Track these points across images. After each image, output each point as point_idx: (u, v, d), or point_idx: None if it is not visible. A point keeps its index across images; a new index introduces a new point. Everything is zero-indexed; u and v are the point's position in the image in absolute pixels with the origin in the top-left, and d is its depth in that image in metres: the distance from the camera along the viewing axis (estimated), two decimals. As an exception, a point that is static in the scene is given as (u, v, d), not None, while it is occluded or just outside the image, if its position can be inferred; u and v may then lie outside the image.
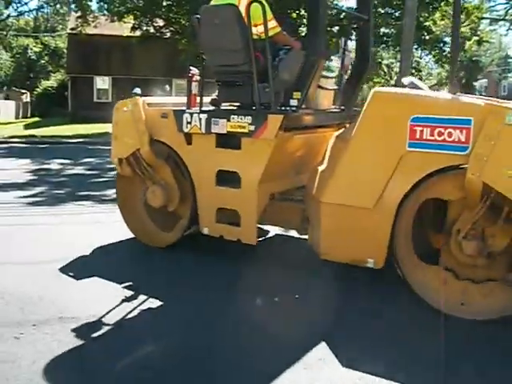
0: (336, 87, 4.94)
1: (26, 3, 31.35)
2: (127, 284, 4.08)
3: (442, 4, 22.74)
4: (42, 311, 3.55)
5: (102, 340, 3.21)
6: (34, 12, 31.07)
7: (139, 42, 24.68)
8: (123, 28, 26.58)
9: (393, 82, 28.62)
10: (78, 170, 11.22)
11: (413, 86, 3.85)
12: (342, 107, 4.98)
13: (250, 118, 4.17)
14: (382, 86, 31.77)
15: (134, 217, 5.27)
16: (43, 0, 28.99)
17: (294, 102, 4.24)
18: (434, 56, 25.52)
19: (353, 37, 23.64)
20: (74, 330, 3.28)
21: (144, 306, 3.71)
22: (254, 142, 4.21)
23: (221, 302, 3.83)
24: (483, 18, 25.98)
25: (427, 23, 22.88)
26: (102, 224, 5.84)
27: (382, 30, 24.91)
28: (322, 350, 3.10)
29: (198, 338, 3.25)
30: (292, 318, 3.58)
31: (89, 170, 10.97)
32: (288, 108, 4.26)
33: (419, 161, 3.58)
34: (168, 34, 25.63)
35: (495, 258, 3.60)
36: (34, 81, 35.20)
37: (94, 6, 27.38)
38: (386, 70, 31.70)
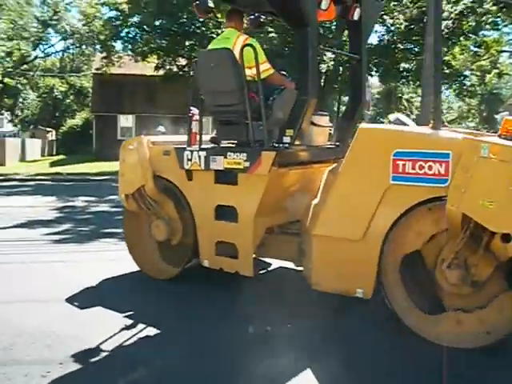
0: (330, 124, 5.17)
1: (52, 45, 32.76)
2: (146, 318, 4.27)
3: (461, 38, 23.08)
4: (69, 349, 3.63)
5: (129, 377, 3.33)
6: (60, 53, 32.46)
7: (162, 80, 25.46)
8: (147, 67, 27.51)
9: (413, 117, 28.79)
10: (103, 207, 11.49)
11: (399, 122, 4.07)
12: (337, 143, 5.20)
13: (245, 154, 4.42)
14: (403, 120, 31.92)
15: (139, 250, 5.51)
16: (69, 42, 30.25)
17: (287, 139, 4.47)
18: (454, 90, 25.68)
19: (373, 72, 23.90)
20: (100, 368, 3.41)
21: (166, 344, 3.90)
22: (249, 178, 4.45)
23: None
24: (503, 51, 26.10)
25: (447, 58, 23.15)
26: (126, 261, 5.73)
27: (402, 65, 25.29)
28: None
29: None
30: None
31: (113, 207, 11.17)
32: (281, 145, 4.49)
33: (402, 193, 3.76)
34: (191, 73, 26.41)
35: (481, 286, 3.71)
36: (59, 119, 36.44)
37: (118, 46, 28.32)
38: (406, 104, 31.95)
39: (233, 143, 4.88)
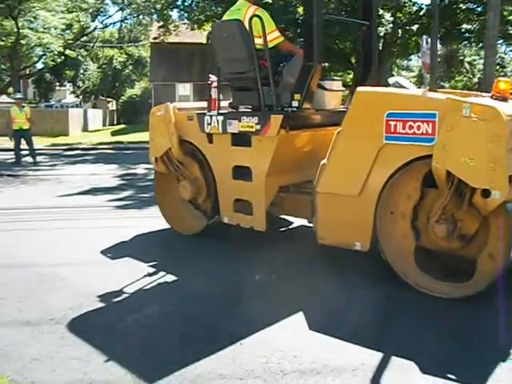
0: (342, 89, 5.47)
1: (110, 16, 33.84)
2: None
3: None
4: (132, 309, 3.93)
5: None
6: (118, 23, 33.47)
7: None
8: (203, 36, 28.00)
9: (476, 80, 27.95)
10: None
11: (398, 85, 4.34)
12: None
13: (256, 118, 4.84)
14: (465, 84, 31.09)
15: (169, 208, 6.07)
16: (126, 12, 31.14)
17: (295, 103, 4.83)
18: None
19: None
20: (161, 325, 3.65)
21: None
22: (261, 140, 4.87)
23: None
24: None
25: (512, 17, 22.28)
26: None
27: (464, 26, 24.53)
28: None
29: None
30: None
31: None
32: (290, 109, 4.86)
33: (395, 152, 4.07)
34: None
35: (469, 241, 4.00)
36: (119, 89, 37.81)
37: (174, 15, 28.88)
38: (468, 67, 30.97)
39: (247, 108, 5.29)
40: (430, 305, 3.88)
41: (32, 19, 26.18)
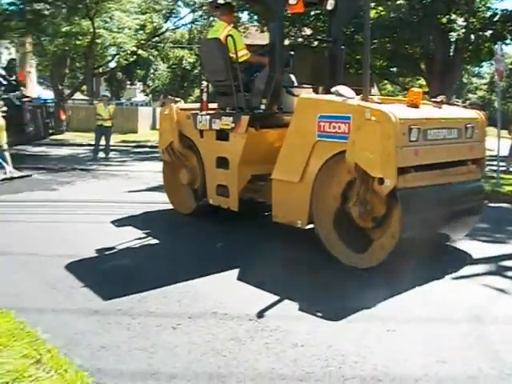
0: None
1: (181, 17, 36.07)
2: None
3: None
4: (198, 304, 4.26)
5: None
6: (189, 25, 35.61)
7: (288, 50, 27.02)
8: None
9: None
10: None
11: (337, 93, 5.52)
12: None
13: (231, 118, 6.20)
14: None
15: (172, 192, 7.55)
16: (197, 14, 33.13)
17: (263, 107, 6.13)
18: None
19: (508, 41, 23.45)
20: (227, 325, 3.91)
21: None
22: (235, 136, 6.21)
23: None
24: None
25: None
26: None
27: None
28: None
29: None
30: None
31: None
32: (258, 111, 6.16)
33: (324, 147, 5.29)
34: (315, 43, 27.82)
35: (381, 221, 5.14)
36: (187, 89, 40.10)
37: (244, 17, 30.48)
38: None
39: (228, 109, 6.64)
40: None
41: (107, 19, 28.47)
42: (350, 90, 5.61)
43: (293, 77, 6.81)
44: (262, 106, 6.16)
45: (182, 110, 7.19)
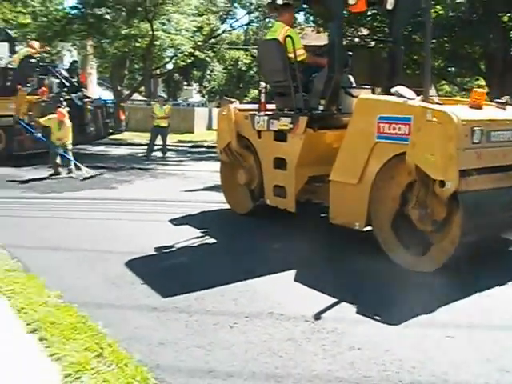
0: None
1: (237, 19, 36.37)
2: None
3: None
4: (255, 304, 4.30)
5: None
6: (245, 26, 35.96)
7: (346, 50, 26.85)
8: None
9: None
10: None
11: (397, 94, 5.46)
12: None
13: (289, 119, 6.22)
14: None
15: (230, 191, 7.62)
16: (253, 15, 33.37)
17: (321, 107, 6.13)
18: None
19: None
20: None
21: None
22: (293, 136, 6.23)
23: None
24: None
25: None
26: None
27: None
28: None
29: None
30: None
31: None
32: (316, 112, 6.15)
33: (383, 149, 5.24)
34: (372, 43, 27.53)
35: (441, 225, 5.03)
36: (243, 90, 40.43)
37: (300, 18, 30.44)
38: None
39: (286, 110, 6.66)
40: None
41: (165, 22, 29.01)
42: (410, 90, 5.55)
43: (351, 77, 6.77)
44: (321, 107, 6.15)
45: (239, 110, 7.26)
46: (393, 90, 5.54)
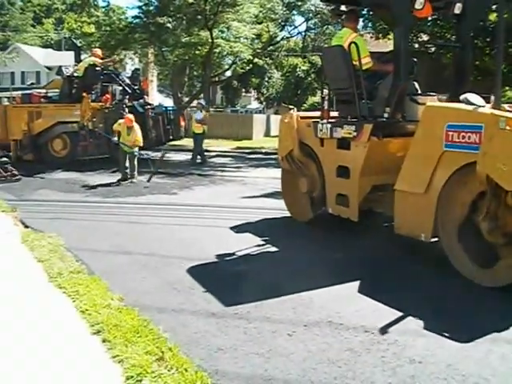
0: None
1: (296, 26, 36.51)
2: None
3: None
4: (313, 313, 4.26)
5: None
6: (303, 33, 35.98)
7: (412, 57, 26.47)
8: (387, 45, 28.94)
9: None
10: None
11: (466, 101, 5.29)
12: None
13: (353, 126, 6.12)
14: None
15: (291, 200, 7.57)
16: (311, 22, 33.42)
17: (386, 115, 6.00)
18: None
19: None
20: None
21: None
22: (357, 144, 6.12)
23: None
24: None
25: None
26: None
27: None
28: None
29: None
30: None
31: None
32: (381, 119, 6.04)
33: (452, 158, 5.08)
34: (432, 49, 27.03)
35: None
36: (301, 97, 40.32)
37: (359, 24, 30.17)
38: None
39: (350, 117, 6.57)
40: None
41: (225, 29, 29.34)
42: (479, 97, 5.37)
43: (416, 84, 6.63)
44: (385, 115, 6.03)
45: (302, 118, 7.21)
46: (461, 97, 5.36)
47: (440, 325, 4.01)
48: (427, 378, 3.25)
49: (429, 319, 4.12)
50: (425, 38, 27.13)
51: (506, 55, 19.93)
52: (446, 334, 3.86)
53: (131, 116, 12.29)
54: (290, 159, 7.29)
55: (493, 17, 21.18)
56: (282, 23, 33.13)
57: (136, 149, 12.05)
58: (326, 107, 6.76)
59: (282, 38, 34.12)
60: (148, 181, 11.90)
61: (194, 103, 25.57)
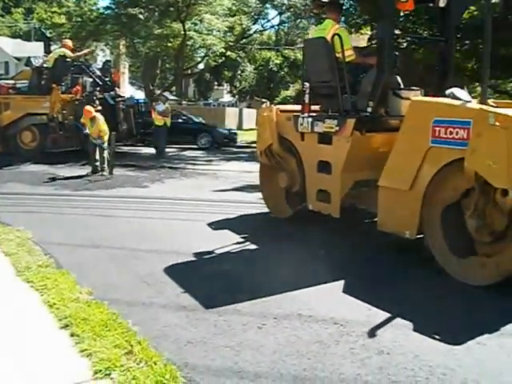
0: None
1: (269, 20, 36.29)
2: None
3: None
4: (283, 306, 4.21)
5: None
6: (276, 27, 35.77)
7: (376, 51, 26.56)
8: (360, 39, 28.97)
9: None
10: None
11: (452, 96, 5.15)
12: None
13: (335, 121, 5.93)
14: None
15: (269, 195, 7.36)
16: (285, 16, 33.25)
17: (369, 110, 5.83)
18: None
19: None
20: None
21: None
22: (339, 139, 5.94)
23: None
24: None
25: None
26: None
27: None
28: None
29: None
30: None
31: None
32: (363, 114, 5.86)
33: (438, 154, 4.93)
34: (405, 44, 27.15)
35: (499, 236, 4.70)
36: (274, 91, 40.17)
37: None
38: None
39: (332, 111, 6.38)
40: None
41: (197, 22, 28.99)
42: (465, 92, 5.24)
43: (399, 78, 6.47)
44: (369, 109, 5.85)
45: (281, 111, 7.00)
46: (447, 91, 5.23)
47: (408, 317, 4.00)
48: (395, 368, 3.25)
49: (397, 312, 4.10)
50: (397, 32, 27.29)
51: (476, 52, 20.14)
52: (414, 326, 3.86)
53: (89, 107, 12.00)
54: (269, 154, 7.08)
55: (465, 14, 21.33)
56: (255, 16, 32.99)
57: (101, 140, 11.66)
58: (306, 101, 6.54)
59: (255, 32, 33.97)
60: (110, 172, 11.60)
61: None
